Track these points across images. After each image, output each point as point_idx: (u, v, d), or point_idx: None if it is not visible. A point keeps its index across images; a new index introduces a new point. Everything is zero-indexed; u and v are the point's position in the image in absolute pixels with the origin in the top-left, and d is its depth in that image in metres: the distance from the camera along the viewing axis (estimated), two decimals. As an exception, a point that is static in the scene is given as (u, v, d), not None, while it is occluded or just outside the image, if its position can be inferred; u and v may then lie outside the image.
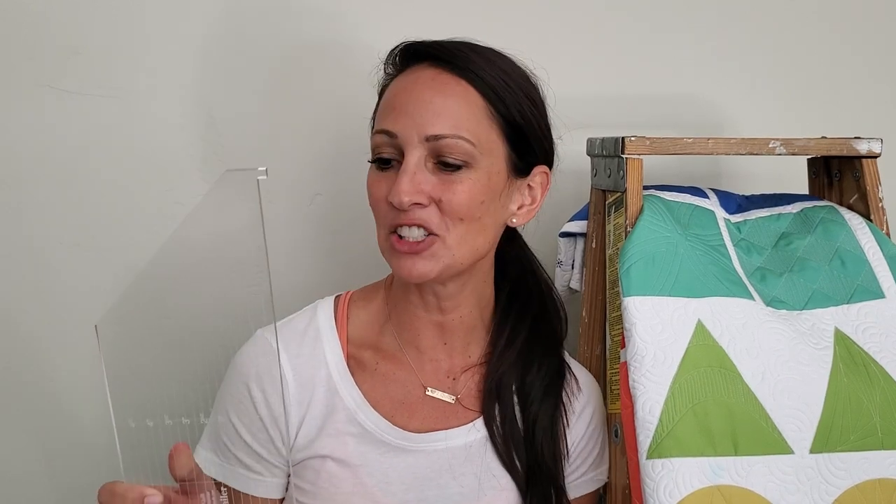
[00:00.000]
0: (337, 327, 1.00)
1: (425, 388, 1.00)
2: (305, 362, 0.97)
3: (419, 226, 0.90)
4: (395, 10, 1.23)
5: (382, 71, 0.98)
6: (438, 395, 1.00)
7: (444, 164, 0.90)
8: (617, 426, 1.07)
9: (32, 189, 1.18)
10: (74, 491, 1.24)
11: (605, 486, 1.13)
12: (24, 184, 1.18)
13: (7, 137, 1.17)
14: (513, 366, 1.02)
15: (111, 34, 1.18)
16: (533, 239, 1.33)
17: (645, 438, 0.97)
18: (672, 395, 0.98)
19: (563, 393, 1.04)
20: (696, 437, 0.97)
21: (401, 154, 0.91)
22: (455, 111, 0.91)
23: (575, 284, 1.24)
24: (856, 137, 1.14)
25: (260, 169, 0.71)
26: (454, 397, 1.01)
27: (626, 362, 1.01)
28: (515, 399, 1.01)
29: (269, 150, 1.24)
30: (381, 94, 0.97)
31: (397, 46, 0.97)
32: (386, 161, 0.92)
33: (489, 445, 1.00)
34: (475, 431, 1.00)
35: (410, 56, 0.95)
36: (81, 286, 1.21)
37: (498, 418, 1.00)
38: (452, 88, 0.92)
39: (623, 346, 1.02)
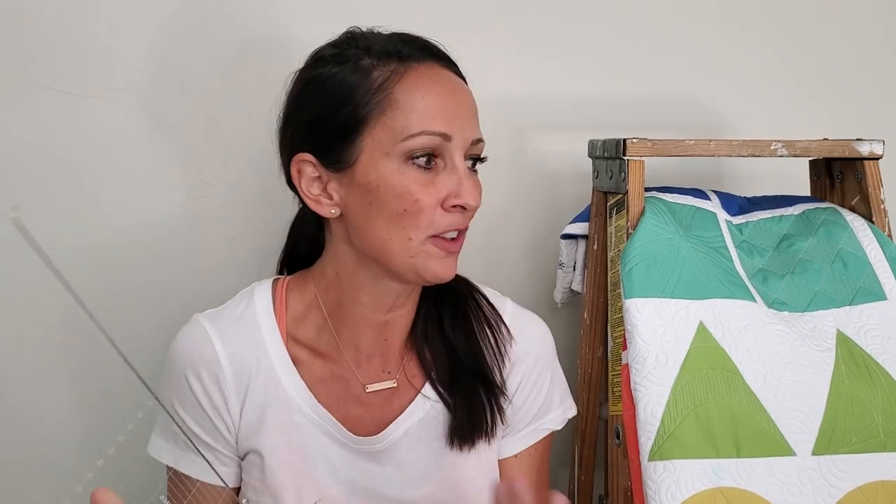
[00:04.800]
0: (276, 314, 0.97)
1: (364, 386, 0.98)
2: (241, 350, 0.94)
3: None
4: (391, 12, 1.23)
5: (345, 54, 0.92)
6: (378, 386, 0.98)
7: (473, 165, 0.94)
8: (618, 428, 1.07)
9: (34, 190, 1.18)
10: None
11: (607, 488, 1.13)
12: (26, 185, 1.18)
13: (9, 139, 1.17)
14: (429, 309, 1.01)
15: (113, 36, 1.18)
16: (534, 240, 1.34)
17: (647, 440, 0.97)
18: (674, 396, 0.98)
19: (492, 332, 1.01)
20: (698, 439, 0.97)
21: (443, 158, 0.90)
22: (477, 115, 0.95)
23: (576, 286, 1.24)
24: (858, 139, 1.14)
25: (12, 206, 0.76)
26: (394, 381, 0.99)
27: (627, 364, 1.01)
28: (436, 331, 1.00)
29: (269, 151, 1.24)
30: (380, 85, 0.89)
31: (398, 39, 0.94)
32: (429, 161, 0.89)
33: (438, 407, 0.98)
34: (416, 412, 0.98)
35: (419, 51, 0.92)
36: (83, 288, 1.20)
37: (434, 364, 0.99)
38: (470, 93, 0.95)
39: (625, 348, 1.02)
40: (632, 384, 0.99)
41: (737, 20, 1.37)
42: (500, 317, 1.03)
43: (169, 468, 0.97)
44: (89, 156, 1.19)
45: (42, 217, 1.18)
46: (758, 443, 0.98)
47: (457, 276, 1.03)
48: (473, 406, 0.98)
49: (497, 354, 1.01)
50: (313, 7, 1.23)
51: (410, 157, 0.88)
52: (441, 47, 0.95)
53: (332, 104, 0.90)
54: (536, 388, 1.03)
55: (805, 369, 1.02)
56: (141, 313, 1.22)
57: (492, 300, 1.04)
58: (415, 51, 0.92)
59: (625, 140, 1.08)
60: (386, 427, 0.97)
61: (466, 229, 0.93)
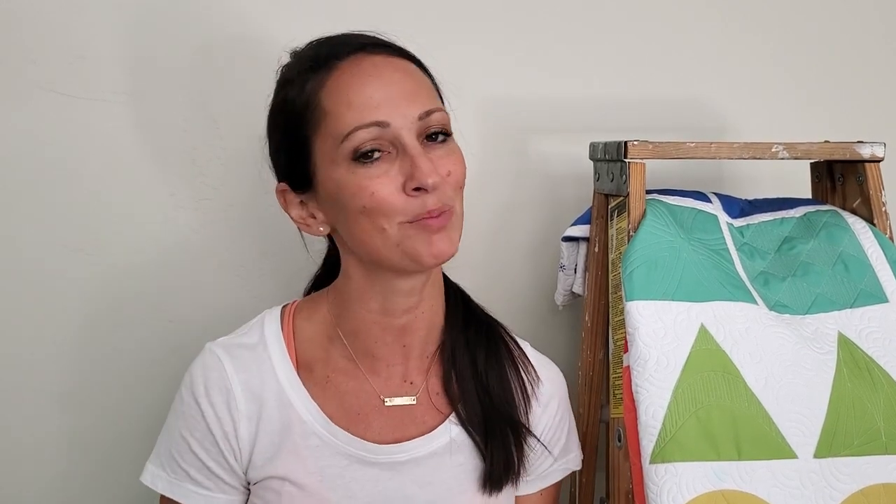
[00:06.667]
0: (284, 339, 0.97)
1: (382, 398, 0.97)
2: (254, 376, 0.95)
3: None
4: (391, 13, 1.23)
5: (287, 74, 0.94)
6: (398, 401, 0.98)
7: (435, 138, 0.90)
8: (619, 430, 1.07)
9: (36, 193, 1.18)
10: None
11: (608, 491, 1.13)
12: (28, 187, 1.18)
13: (11, 141, 1.17)
14: (458, 337, 1.00)
15: (115, 39, 1.18)
16: (535, 242, 1.34)
17: (648, 443, 0.97)
18: (675, 399, 0.97)
19: (520, 374, 1.02)
20: (700, 442, 0.97)
21: (390, 144, 0.87)
22: (423, 87, 0.91)
23: (577, 289, 1.24)
24: (859, 141, 1.14)
25: None
26: (414, 397, 0.98)
27: (628, 367, 1.01)
28: (467, 364, 0.99)
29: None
30: (309, 98, 0.90)
31: (314, 45, 0.94)
32: (369, 155, 0.87)
33: (464, 437, 0.98)
34: (442, 435, 0.97)
35: (338, 48, 0.91)
36: (85, 290, 1.21)
37: (461, 398, 0.98)
38: (408, 67, 0.92)
39: (626, 350, 1.02)
40: (633, 387, 0.99)
41: (737, 21, 1.37)
42: (528, 357, 1.04)
43: (163, 497, 0.97)
44: (91, 158, 1.19)
45: (43, 219, 1.18)
46: (759, 445, 0.98)
47: (478, 308, 1.04)
48: (509, 455, 0.98)
49: (524, 396, 1.02)
50: (314, 6, 1.23)
51: (353, 156, 0.87)
52: (365, 33, 0.93)
53: (282, 132, 0.93)
54: (560, 430, 1.05)
55: (806, 372, 1.02)
56: (144, 316, 1.22)
57: (516, 339, 1.05)
58: (333, 50, 0.91)
59: (626, 142, 1.08)
60: (411, 440, 0.96)
61: (451, 208, 0.89)
